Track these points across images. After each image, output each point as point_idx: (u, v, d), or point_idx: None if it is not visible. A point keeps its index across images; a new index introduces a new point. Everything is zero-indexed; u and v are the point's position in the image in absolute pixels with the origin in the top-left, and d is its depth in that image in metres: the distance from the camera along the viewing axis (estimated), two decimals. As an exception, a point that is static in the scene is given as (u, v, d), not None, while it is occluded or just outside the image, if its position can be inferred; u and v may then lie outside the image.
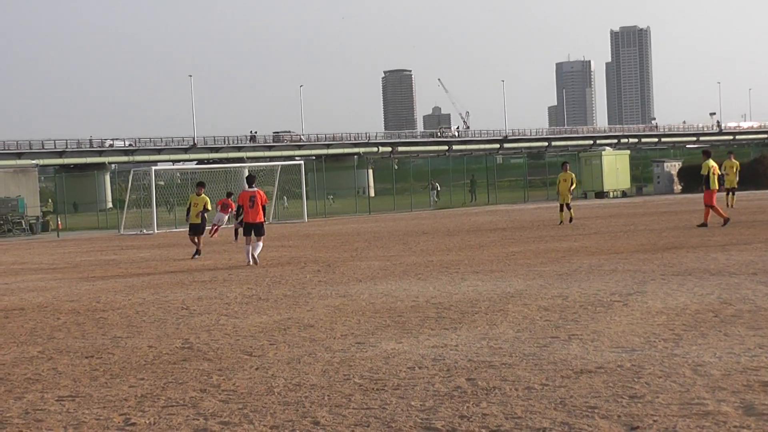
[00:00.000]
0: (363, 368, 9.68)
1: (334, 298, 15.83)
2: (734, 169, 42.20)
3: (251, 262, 23.47)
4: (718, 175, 29.05)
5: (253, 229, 23.51)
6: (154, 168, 59.74)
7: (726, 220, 28.16)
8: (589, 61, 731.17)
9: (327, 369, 9.74)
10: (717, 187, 28.98)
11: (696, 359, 9.13)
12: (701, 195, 30.76)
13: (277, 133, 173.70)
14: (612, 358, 9.40)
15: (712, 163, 29.68)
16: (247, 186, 24.33)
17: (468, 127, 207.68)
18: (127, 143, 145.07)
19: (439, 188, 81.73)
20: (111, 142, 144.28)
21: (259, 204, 23.57)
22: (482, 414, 7.59)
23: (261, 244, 23.89)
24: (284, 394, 8.71)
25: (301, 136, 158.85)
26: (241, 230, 27.40)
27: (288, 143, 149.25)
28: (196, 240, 27.59)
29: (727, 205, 37.87)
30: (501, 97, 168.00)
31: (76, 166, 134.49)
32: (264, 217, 24.13)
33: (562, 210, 35.54)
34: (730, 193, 40.72)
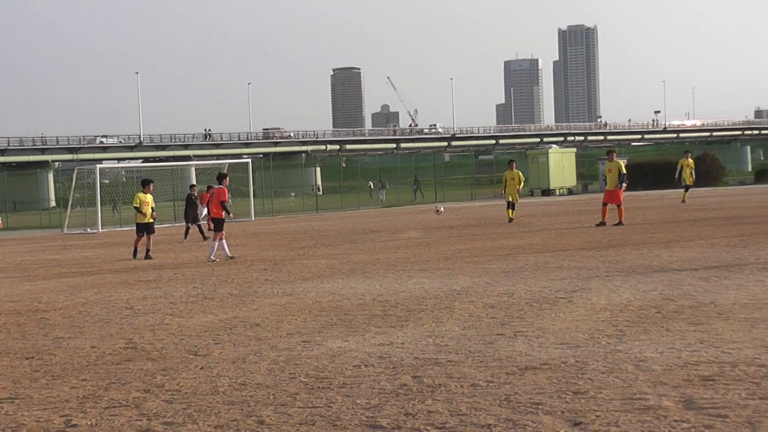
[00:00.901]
0: (309, 367, 9.67)
1: (281, 297, 15.80)
2: (689, 168, 43.10)
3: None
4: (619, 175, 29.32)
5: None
6: (98, 166, 59.28)
7: (602, 223, 28.92)
8: (537, 60, 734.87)
9: (272, 368, 9.72)
10: (614, 187, 29.20)
11: (638, 355, 9.22)
12: (640, 193, 31.50)
13: (267, 129, 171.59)
14: (556, 355, 9.47)
15: (621, 162, 30.13)
16: (218, 183, 24.72)
17: (417, 125, 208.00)
18: (117, 140, 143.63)
19: (387, 186, 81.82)
20: (101, 140, 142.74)
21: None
22: (427, 411, 7.61)
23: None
24: (229, 393, 8.68)
25: (290, 133, 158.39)
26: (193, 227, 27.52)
27: (236, 141, 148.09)
28: (145, 240, 27.24)
29: (683, 201, 40.53)
30: (449, 94, 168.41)
31: (18, 164, 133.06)
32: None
33: (509, 208, 35.41)
34: (685, 190, 42.57)
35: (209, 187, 39.01)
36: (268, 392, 8.62)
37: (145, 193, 27.47)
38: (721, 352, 9.10)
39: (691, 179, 42.88)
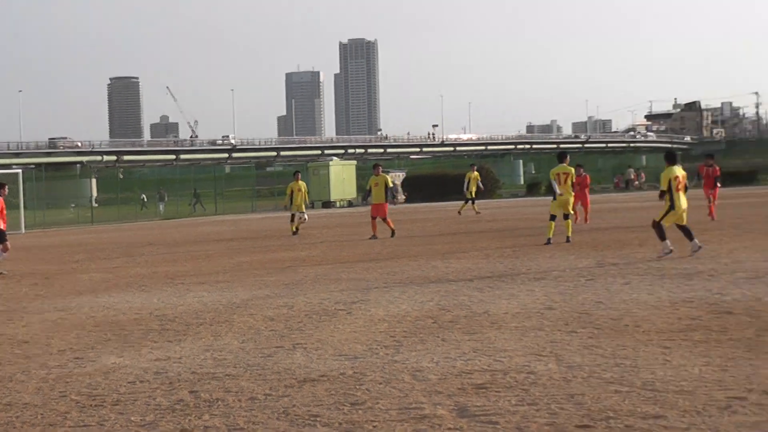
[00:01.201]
0: (81, 384, 9.44)
1: (52, 313, 15.35)
2: (476, 180, 44.81)
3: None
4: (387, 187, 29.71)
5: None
6: None
7: (373, 236, 29.30)
8: (319, 72, 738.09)
9: (42, 386, 9.44)
10: (381, 201, 29.59)
11: (415, 365, 9.37)
12: (419, 205, 31.97)
13: (53, 139, 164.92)
14: (335, 366, 9.53)
15: (388, 177, 30.47)
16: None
17: (197, 136, 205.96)
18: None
19: (166, 198, 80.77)
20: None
21: None
22: (204, 426, 7.55)
23: None
24: (-4, 412, 8.40)
25: (78, 143, 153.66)
26: None
27: (5, 152, 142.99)
28: None
29: (476, 212, 41.89)
30: (230, 106, 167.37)
31: None
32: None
33: (292, 220, 34.74)
34: (471, 202, 43.56)
35: None
36: (35, 412, 8.36)
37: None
38: (493, 361, 9.34)
39: (473, 191, 43.95)
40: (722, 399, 7.44)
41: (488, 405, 7.65)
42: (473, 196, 43.44)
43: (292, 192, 34.97)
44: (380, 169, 30.83)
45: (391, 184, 30.16)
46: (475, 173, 44.57)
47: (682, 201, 18.77)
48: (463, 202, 44.78)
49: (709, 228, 26.35)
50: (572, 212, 24.87)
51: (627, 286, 14.43)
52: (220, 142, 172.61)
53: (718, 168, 32.01)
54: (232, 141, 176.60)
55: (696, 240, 18.44)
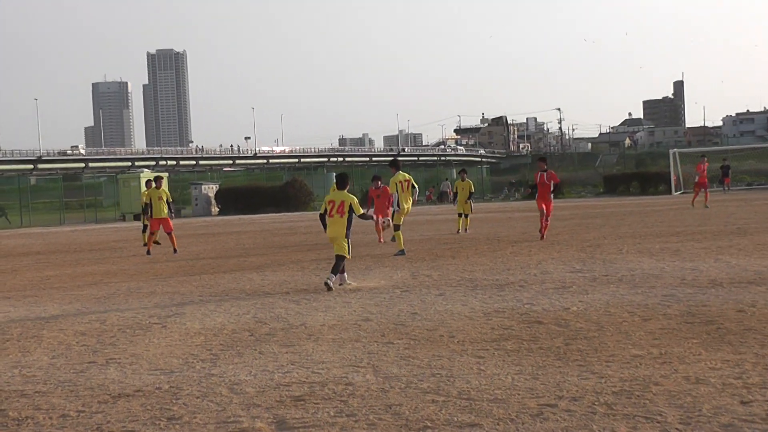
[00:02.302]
0: None
1: None
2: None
3: None
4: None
5: None
6: None
7: (148, 252, 29.07)
8: (126, 83, 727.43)
9: None
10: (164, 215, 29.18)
11: (232, 378, 9.32)
12: (233, 217, 31.59)
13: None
14: (150, 381, 9.40)
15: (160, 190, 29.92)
16: None
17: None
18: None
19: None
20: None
21: None
22: (16, 444, 7.36)
23: None
24: None
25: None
26: None
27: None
28: None
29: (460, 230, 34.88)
30: (35, 116, 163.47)
31: None
32: None
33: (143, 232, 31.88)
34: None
35: None
36: None
37: None
38: (311, 373, 9.35)
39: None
40: (534, 406, 7.63)
41: (307, 417, 7.66)
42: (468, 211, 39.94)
43: (151, 201, 30.93)
44: (162, 181, 30.22)
45: (171, 199, 29.84)
46: (467, 182, 43.42)
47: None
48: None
49: (519, 239, 27.03)
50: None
51: (441, 297, 14.64)
52: (69, 152, 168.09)
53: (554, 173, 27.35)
54: (82, 151, 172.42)
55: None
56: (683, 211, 42.01)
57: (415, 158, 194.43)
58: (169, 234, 29.25)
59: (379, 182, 26.52)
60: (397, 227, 24.08)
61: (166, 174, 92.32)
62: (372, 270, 19.81)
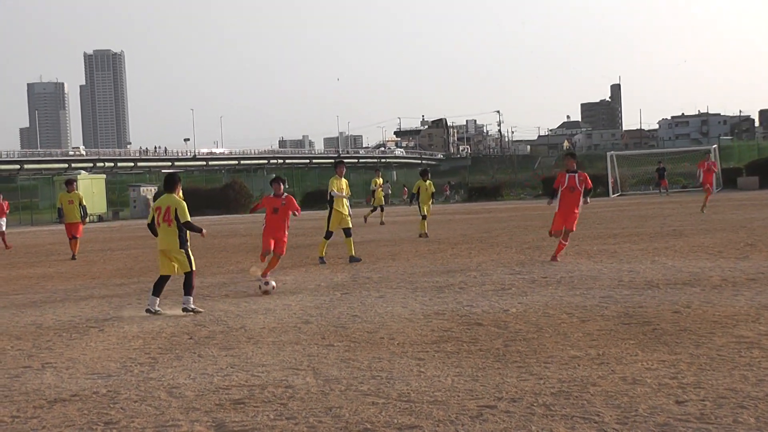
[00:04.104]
0: None
1: None
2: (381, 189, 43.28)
3: None
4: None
5: None
6: None
7: (74, 257, 28.45)
8: (63, 83, 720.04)
9: None
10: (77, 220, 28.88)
11: (171, 381, 9.27)
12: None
13: None
14: (87, 385, 9.33)
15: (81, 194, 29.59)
16: None
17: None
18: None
19: None
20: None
21: None
22: (-50, 450, 7.28)
23: None
24: None
25: None
26: None
27: None
28: None
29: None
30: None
31: None
32: None
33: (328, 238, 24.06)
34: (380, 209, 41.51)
35: None
36: None
37: None
38: (251, 376, 9.34)
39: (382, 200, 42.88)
40: (474, 408, 7.67)
41: (246, 420, 7.65)
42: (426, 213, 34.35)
43: (62, 204, 30.25)
44: (74, 185, 29.78)
45: (84, 203, 29.37)
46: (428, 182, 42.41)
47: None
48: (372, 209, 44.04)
49: (459, 242, 27.11)
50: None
51: (381, 300, 14.66)
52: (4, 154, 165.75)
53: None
54: (83, 152, 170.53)
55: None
56: (620, 212, 42.37)
57: (356, 160, 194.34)
58: (76, 239, 28.69)
59: (282, 188, 18.50)
60: (329, 235, 22.40)
61: (101, 176, 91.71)
62: (312, 272, 19.79)
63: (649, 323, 11.23)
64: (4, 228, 36.87)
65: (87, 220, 30.30)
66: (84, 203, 29.37)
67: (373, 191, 43.16)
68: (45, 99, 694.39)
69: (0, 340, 12.61)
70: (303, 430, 7.28)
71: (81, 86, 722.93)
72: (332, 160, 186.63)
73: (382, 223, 41.70)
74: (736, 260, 17.95)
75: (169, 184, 14.63)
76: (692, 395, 7.73)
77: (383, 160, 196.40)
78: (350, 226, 22.60)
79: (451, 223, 30.50)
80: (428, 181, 31.69)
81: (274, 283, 16.35)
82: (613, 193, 70.71)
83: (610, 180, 72.49)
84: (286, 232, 18.35)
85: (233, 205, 78.38)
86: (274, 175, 31.75)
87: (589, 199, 20.30)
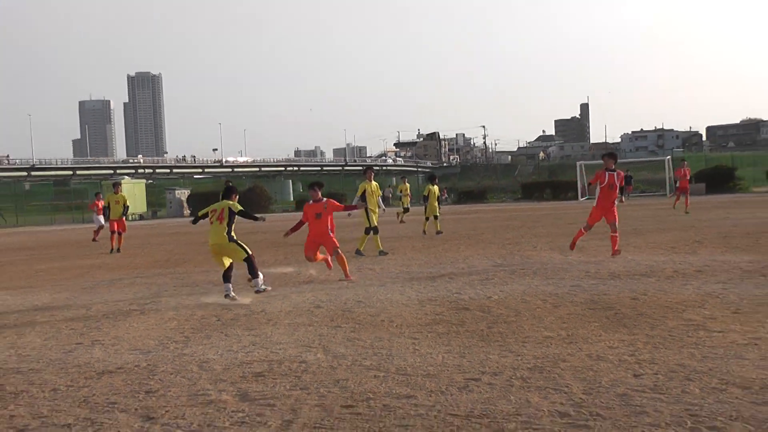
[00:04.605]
0: None
1: None
2: (408, 194, 41.61)
3: None
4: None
5: None
6: None
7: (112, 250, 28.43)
8: (109, 101, 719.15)
9: None
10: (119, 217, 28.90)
11: (202, 357, 9.29)
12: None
13: None
14: (130, 359, 9.35)
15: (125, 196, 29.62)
16: None
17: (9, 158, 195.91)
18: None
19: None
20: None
21: None
22: (10, 416, 7.29)
23: None
24: None
25: None
26: None
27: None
28: None
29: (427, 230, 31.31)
30: (28, 129, 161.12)
31: None
32: None
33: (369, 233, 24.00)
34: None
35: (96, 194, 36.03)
36: None
37: None
38: (270, 352, 9.35)
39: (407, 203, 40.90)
40: (461, 380, 7.68)
41: (266, 390, 7.67)
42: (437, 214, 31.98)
43: (109, 204, 30.56)
44: (120, 187, 30.09)
45: (128, 204, 29.63)
46: (407, 184, 40.99)
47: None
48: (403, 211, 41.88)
49: (449, 238, 27.10)
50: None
51: (382, 288, 14.66)
52: (30, 161, 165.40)
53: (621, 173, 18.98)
54: (140, 160, 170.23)
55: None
56: (587, 214, 42.31)
57: (360, 168, 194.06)
58: (118, 234, 28.72)
59: (319, 193, 16.74)
60: (376, 230, 22.07)
61: (142, 181, 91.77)
62: (321, 265, 19.79)
63: (612, 308, 11.25)
64: (102, 222, 36.85)
65: (126, 216, 30.29)
66: (127, 204, 29.48)
67: (399, 196, 42.60)
68: (94, 114, 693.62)
69: (56, 321, 12.64)
70: (314, 399, 7.30)
71: (125, 103, 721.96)
72: (340, 168, 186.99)
73: (402, 221, 40.76)
74: (685, 255, 17.97)
75: (227, 192, 14.83)
76: (647, 369, 7.75)
77: (384, 168, 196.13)
78: (377, 224, 22.27)
79: (443, 223, 30.56)
80: (435, 186, 31.06)
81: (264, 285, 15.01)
82: (582, 197, 70.66)
83: (580, 186, 72.52)
84: (332, 234, 16.39)
85: (255, 207, 78.16)
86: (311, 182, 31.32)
87: (624, 198, 19.55)
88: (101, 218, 36.44)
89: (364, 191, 22.22)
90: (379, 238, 22.46)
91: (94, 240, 35.47)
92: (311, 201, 16.42)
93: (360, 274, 17.14)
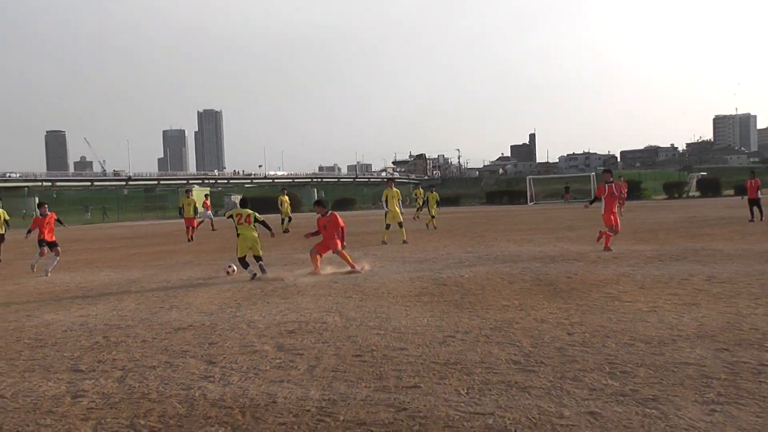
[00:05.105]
0: (30, 332, 8.97)
1: (10, 286, 14.48)
2: (434, 199, 39.69)
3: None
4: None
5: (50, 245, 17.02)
6: None
7: (189, 239, 27.53)
8: (184, 130, 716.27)
9: (3, 334, 8.92)
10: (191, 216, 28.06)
11: (249, 318, 9.29)
12: None
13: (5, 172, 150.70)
14: (198, 319, 9.36)
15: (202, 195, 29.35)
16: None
17: (106, 171, 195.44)
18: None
19: (89, 210, 77.77)
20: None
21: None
22: (113, 359, 7.30)
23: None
24: (-32, 353, 7.88)
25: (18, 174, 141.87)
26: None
27: None
28: None
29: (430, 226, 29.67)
30: (126, 150, 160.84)
31: None
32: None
33: (388, 228, 22.27)
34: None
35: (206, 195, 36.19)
36: (0, 351, 7.91)
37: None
38: (299, 315, 9.35)
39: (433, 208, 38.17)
40: (441, 337, 7.68)
41: (296, 343, 7.67)
42: (434, 214, 30.10)
43: (183, 205, 29.47)
44: (191, 193, 29.65)
45: (197, 205, 29.23)
46: (434, 194, 38.36)
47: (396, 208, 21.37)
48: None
49: (433, 232, 27.03)
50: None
51: (383, 268, 14.64)
52: (128, 173, 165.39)
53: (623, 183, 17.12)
54: (216, 173, 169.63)
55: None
56: (534, 215, 42.29)
57: (367, 179, 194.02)
58: (193, 228, 28.52)
59: (324, 209, 14.96)
60: (401, 224, 21.41)
61: (206, 188, 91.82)
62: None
63: (552, 284, 11.25)
64: (211, 216, 36.96)
65: (198, 217, 30.27)
66: (197, 206, 29.49)
67: (415, 199, 41.85)
68: (173, 140, 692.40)
69: (145, 291, 12.65)
70: (332, 350, 7.30)
71: (195, 132, 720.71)
72: (352, 179, 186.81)
73: (415, 218, 38.51)
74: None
75: (244, 203, 14.78)
76: (577, 329, 7.75)
77: (384, 179, 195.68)
78: (402, 220, 21.75)
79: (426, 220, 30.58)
80: (434, 193, 30.14)
81: (234, 268, 14.58)
82: (530, 203, 70.62)
83: (528, 194, 72.59)
84: (338, 239, 14.57)
85: (299, 210, 78.23)
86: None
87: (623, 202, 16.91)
88: (209, 212, 36.52)
89: (386, 196, 22.01)
90: (405, 231, 21.93)
91: (213, 229, 35.35)
92: (319, 215, 14.92)
93: (366, 258, 17.11)
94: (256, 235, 14.17)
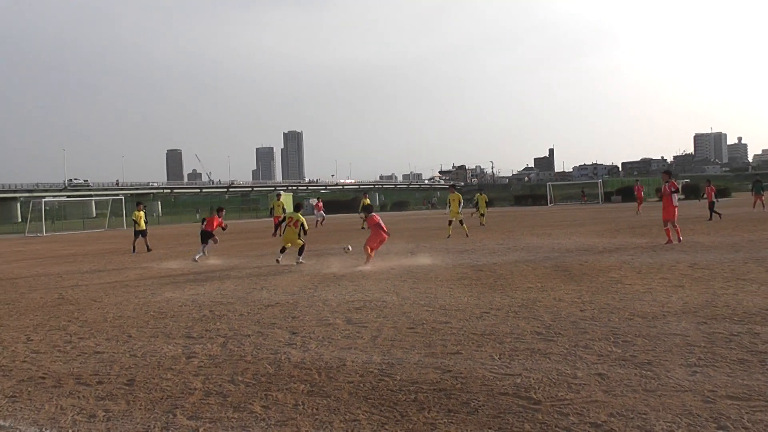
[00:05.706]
0: (155, 307, 9.21)
1: (137, 271, 14.83)
2: (483, 200, 37.49)
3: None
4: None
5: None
6: (44, 200, 52.84)
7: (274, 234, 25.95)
8: (272, 147, 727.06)
9: (136, 308, 9.19)
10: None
11: (324, 297, 9.37)
12: (330, 215, 29.65)
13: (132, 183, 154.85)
14: (283, 299, 9.47)
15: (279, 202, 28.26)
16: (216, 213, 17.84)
17: (212, 181, 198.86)
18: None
19: (200, 211, 79.51)
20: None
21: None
22: (216, 328, 7.45)
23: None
24: (112, 321, 8.17)
25: (156, 183, 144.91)
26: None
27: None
28: (142, 240, 21.60)
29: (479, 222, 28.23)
30: (227, 164, 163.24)
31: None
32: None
33: (450, 224, 22.05)
34: (481, 216, 28.58)
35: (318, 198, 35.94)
36: (133, 320, 8.17)
37: (139, 210, 21.99)
38: (364, 296, 9.38)
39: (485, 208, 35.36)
40: (478, 312, 7.64)
41: (362, 317, 7.71)
42: (484, 212, 28.76)
43: (273, 207, 28.49)
44: (281, 197, 29.24)
45: (284, 207, 28.36)
46: (483, 196, 34.88)
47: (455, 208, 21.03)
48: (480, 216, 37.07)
49: (470, 229, 26.85)
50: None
51: (430, 257, 14.58)
52: (229, 182, 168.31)
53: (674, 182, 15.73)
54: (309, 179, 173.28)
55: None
56: (553, 214, 41.61)
57: (418, 185, 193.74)
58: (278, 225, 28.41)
59: (372, 213, 14.16)
60: (461, 222, 21.05)
61: (291, 194, 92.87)
62: (392, 243, 19.78)
63: (567, 270, 11.08)
64: (323, 215, 37.03)
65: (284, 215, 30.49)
66: (285, 207, 29.77)
67: (476, 202, 39.86)
68: (264, 155, 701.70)
69: (241, 275, 12.85)
70: (390, 323, 7.32)
71: (281, 149, 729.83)
72: (406, 185, 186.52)
73: (460, 222, 37.48)
74: (610, 238, 17.57)
75: (298, 208, 15.02)
76: (588, 307, 7.63)
77: (433, 186, 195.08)
78: (462, 218, 21.41)
79: (467, 220, 30.32)
80: (484, 195, 29.09)
81: (350, 248, 14.86)
82: (550, 204, 69.62)
83: (548, 197, 71.67)
84: (381, 236, 13.57)
85: (356, 209, 78.45)
86: (368, 202, 30.78)
87: (677, 197, 15.52)
88: (323, 212, 36.60)
89: (450, 199, 22.01)
90: (467, 227, 21.88)
91: (321, 224, 34.78)
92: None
93: (417, 249, 17.06)
94: (297, 236, 14.52)
